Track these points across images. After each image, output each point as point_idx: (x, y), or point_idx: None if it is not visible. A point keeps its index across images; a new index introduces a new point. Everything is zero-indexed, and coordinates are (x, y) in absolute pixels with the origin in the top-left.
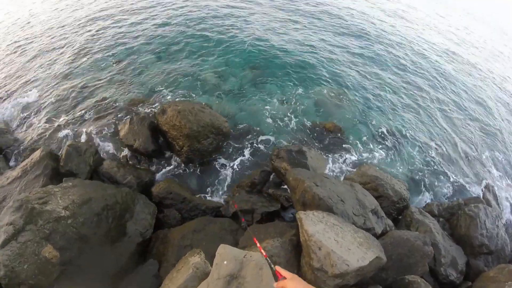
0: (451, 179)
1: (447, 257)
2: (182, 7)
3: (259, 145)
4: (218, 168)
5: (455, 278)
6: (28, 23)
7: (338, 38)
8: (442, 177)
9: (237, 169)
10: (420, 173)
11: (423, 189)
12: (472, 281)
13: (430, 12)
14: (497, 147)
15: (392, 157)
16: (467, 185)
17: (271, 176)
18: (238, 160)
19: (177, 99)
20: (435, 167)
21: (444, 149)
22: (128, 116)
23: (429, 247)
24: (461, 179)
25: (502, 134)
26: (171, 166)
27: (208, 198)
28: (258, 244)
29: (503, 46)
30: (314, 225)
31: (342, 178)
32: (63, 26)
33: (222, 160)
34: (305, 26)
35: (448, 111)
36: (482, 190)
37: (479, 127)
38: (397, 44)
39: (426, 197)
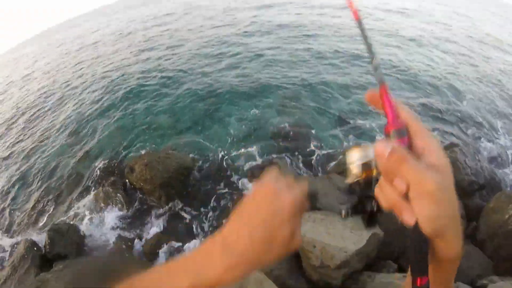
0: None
1: None
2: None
3: (232, 170)
4: (198, 206)
5: None
6: None
7: (268, 39)
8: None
9: (217, 201)
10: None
11: None
12: (476, 220)
13: None
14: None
15: (360, 137)
16: (437, 133)
17: None
18: (215, 191)
19: (139, 153)
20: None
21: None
22: (98, 187)
23: None
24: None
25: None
26: (155, 220)
27: (198, 232)
28: None
29: None
30: (302, 226)
31: (319, 173)
32: None
33: (200, 197)
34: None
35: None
36: (453, 130)
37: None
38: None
39: None
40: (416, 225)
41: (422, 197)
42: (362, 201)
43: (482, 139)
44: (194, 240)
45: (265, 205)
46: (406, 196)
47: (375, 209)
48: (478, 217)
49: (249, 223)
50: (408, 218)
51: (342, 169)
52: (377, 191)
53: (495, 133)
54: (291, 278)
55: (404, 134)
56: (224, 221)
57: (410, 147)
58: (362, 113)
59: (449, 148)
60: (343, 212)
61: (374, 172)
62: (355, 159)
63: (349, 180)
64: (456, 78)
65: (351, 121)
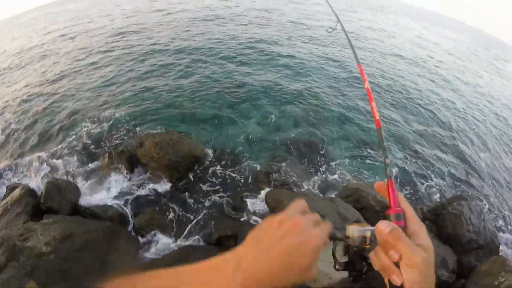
0: (433, 181)
1: (436, 259)
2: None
3: (240, 169)
4: (200, 195)
5: (447, 278)
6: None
7: (314, 61)
8: (423, 181)
9: (218, 195)
10: (401, 180)
11: (406, 195)
12: (465, 278)
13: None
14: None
15: (372, 166)
16: (448, 185)
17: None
18: (218, 185)
19: (154, 130)
20: (415, 171)
21: (422, 153)
22: (106, 150)
23: None
24: (441, 180)
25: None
26: (152, 197)
27: (190, 225)
28: None
29: None
30: None
31: (323, 194)
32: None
33: (202, 187)
34: (281, 49)
35: (422, 119)
36: (464, 186)
37: (455, 128)
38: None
39: (409, 202)
40: (402, 286)
41: (410, 267)
42: (353, 261)
43: (492, 197)
44: (184, 228)
45: (292, 235)
46: (396, 263)
47: (364, 269)
48: (468, 276)
49: (270, 249)
50: (396, 280)
51: (346, 195)
52: (372, 255)
53: (508, 194)
54: None
55: (401, 218)
56: (214, 223)
57: (404, 229)
58: (373, 145)
59: (457, 200)
60: (337, 266)
61: (368, 245)
62: (354, 232)
63: (346, 242)
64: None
65: (366, 153)
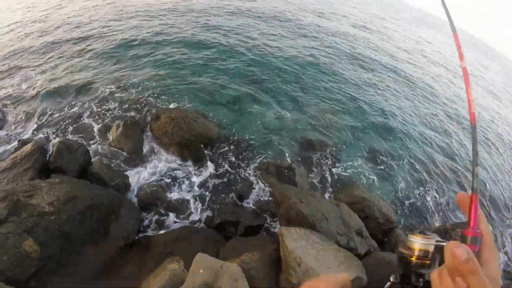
0: (441, 203)
1: None
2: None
3: (250, 157)
4: (206, 177)
5: None
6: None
7: (343, 61)
8: (431, 201)
9: (224, 180)
10: (408, 196)
11: (411, 212)
12: None
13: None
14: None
15: (381, 178)
16: (456, 209)
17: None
18: (226, 170)
19: (172, 106)
20: (425, 190)
21: (434, 172)
22: (121, 119)
23: None
24: (450, 203)
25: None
26: (159, 172)
27: (193, 206)
28: None
29: None
30: (295, 242)
31: (329, 196)
32: (69, 23)
33: (210, 170)
34: (309, 46)
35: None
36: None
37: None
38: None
39: (413, 220)
40: None
41: None
42: (409, 274)
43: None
44: (186, 207)
45: None
46: None
47: (421, 285)
48: None
49: None
50: None
51: (352, 201)
52: (435, 276)
53: None
54: (264, 284)
55: (478, 243)
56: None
57: (478, 255)
58: (395, 158)
59: (460, 227)
60: (392, 277)
61: (429, 260)
62: (415, 244)
63: (405, 252)
64: None
65: (380, 161)
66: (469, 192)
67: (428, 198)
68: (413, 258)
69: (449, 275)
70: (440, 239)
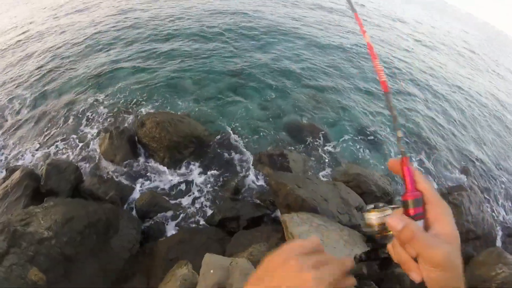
0: (433, 169)
1: None
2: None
3: (241, 150)
4: (201, 176)
5: None
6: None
7: (317, 48)
8: (424, 168)
9: (219, 177)
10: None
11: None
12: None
13: None
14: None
15: (373, 152)
16: (449, 173)
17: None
18: (220, 167)
19: (156, 110)
20: (416, 157)
21: (424, 140)
22: (107, 131)
23: None
24: (443, 168)
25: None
26: (153, 178)
27: (192, 207)
28: None
29: None
30: (298, 227)
31: (325, 178)
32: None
33: (203, 169)
34: (285, 36)
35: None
36: (465, 176)
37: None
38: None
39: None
40: (423, 283)
41: (429, 266)
42: (376, 250)
43: (492, 191)
44: (185, 209)
45: (285, 281)
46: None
47: (384, 256)
48: (465, 265)
49: None
50: (415, 277)
51: (347, 180)
52: (390, 247)
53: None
54: None
55: (420, 204)
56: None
57: (424, 215)
58: (383, 129)
59: (457, 190)
60: (357, 257)
61: (390, 231)
62: (371, 220)
63: (367, 230)
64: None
65: (370, 133)
66: (399, 156)
67: (421, 164)
68: (376, 234)
69: (400, 244)
70: (394, 205)
